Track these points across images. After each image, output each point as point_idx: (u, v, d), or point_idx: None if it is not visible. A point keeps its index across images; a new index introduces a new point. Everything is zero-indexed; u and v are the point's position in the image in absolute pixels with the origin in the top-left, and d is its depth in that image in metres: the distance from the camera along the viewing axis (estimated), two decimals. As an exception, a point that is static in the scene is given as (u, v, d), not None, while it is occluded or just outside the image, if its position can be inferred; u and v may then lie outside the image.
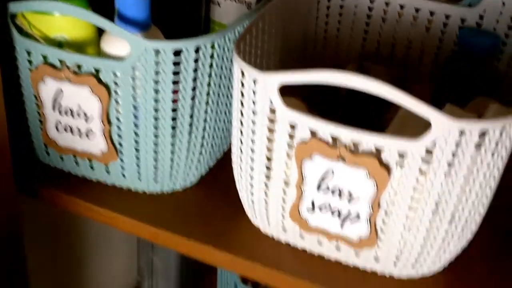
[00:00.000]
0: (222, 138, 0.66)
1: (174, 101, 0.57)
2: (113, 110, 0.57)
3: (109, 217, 0.62)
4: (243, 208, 0.62)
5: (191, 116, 0.58)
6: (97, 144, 0.59)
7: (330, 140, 0.50)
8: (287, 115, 0.50)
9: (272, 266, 0.58)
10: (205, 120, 0.60)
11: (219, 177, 0.67)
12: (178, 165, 0.61)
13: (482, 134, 0.46)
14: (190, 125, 0.59)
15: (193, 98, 0.57)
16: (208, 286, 1.09)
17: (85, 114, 0.57)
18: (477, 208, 0.52)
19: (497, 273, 0.58)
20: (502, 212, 0.65)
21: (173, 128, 0.58)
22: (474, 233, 0.55)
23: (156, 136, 0.58)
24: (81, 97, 0.57)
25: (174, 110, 0.57)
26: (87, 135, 0.59)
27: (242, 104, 0.53)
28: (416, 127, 0.50)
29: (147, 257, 1.04)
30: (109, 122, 0.58)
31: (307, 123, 0.50)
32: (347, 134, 0.49)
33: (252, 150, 0.55)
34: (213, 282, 1.04)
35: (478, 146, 0.47)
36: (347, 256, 0.57)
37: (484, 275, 0.58)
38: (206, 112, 0.60)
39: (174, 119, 0.57)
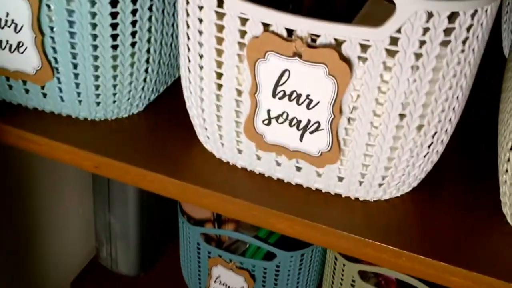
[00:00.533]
0: (171, 57, 0.60)
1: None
2: (45, 17, 0.51)
3: (48, 146, 0.56)
4: (195, 135, 0.56)
5: (133, 24, 0.52)
6: (29, 60, 0.53)
7: (285, 33, 0.44)
8: (236, 5, 0.45)
9: (228, 193, 0.52)
10: (149, 30, 0.54)
11: (169, 103, 0.61)
12: (122, 84, 0.55)
13: (452, 17, 0.42)
14: (133, 34, 0.53)
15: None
16: (170, 248, 1.03)
17: (14, 23, 0.51)
18: (447, 113, 0.48)
19: (470, 192, 0.54)
20: (475, 125, 0.61)
21: (114, 38, 0.52)
22: (445, 145, 0.51)
23: (95, 47, 0.52)
24: (8, 3, 0.50)
25: (113, 15, 0.51)
26: (18, 49, 0.53)
27: (187, 1, 0.48)
28: (380, 23, 0.46)
29: (104, 220, 0.97)
30: (42, 32, 0.51)
31: (259, 15, 0.44)
32: (303, 25, 0.44)
33: (201, 56, 0.49)
34: (175, 243, 0.98)
35: (447, 32, 0.42)
36: (308, 177, 0.52)
37: (459, 195, 0.54)
38: (150, 20, 0.54)
39: (114, 26, 0.51)
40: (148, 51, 0.55)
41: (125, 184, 0.91)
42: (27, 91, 0.56)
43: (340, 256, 0.81)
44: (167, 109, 0.61)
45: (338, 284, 0.84)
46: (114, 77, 0.54)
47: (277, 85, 0.47)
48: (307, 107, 0.47)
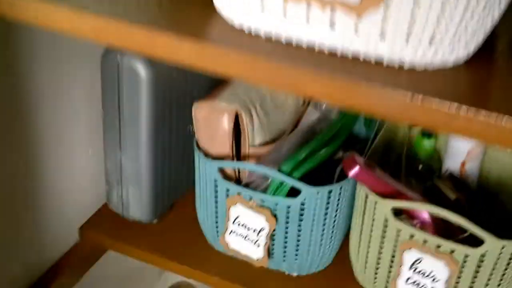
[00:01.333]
0: None
1: None
2: None
3: (44, 12, 0.49)
4: (213, 6, 0.49)
5: None
6: None
7: None
8: None
9: (251, 54, 0.45)
10: None
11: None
12: None
13: None
14: None
15: None
16: (186, 194, 0.96)
17: None
18: None
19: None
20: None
21: None
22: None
23: None
24: None
25: None
26: None
27: None
28: None
29: (115, 160, 0.90)
30: None
31: None
32: None
33: None
34: (191, 189, 0.91)
35: None
36: (343, 36, 0.44)
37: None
38: None
39: None
40: None
41: (138, 120, 0.84)
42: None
43: (372, 193, 0.73)
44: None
45: (369, 225, 0.76)
46: None
47: None
48: None
